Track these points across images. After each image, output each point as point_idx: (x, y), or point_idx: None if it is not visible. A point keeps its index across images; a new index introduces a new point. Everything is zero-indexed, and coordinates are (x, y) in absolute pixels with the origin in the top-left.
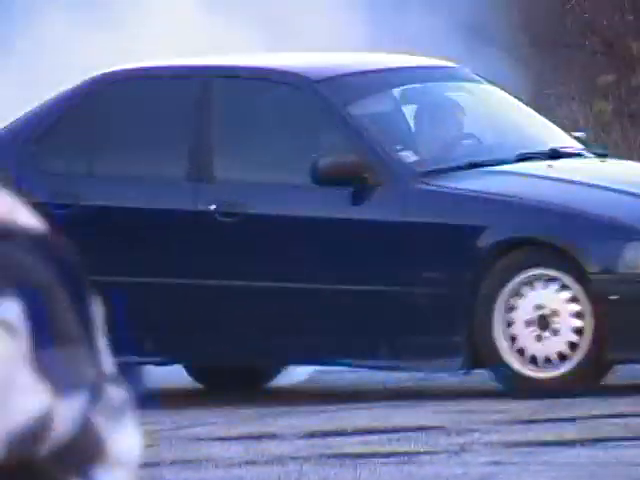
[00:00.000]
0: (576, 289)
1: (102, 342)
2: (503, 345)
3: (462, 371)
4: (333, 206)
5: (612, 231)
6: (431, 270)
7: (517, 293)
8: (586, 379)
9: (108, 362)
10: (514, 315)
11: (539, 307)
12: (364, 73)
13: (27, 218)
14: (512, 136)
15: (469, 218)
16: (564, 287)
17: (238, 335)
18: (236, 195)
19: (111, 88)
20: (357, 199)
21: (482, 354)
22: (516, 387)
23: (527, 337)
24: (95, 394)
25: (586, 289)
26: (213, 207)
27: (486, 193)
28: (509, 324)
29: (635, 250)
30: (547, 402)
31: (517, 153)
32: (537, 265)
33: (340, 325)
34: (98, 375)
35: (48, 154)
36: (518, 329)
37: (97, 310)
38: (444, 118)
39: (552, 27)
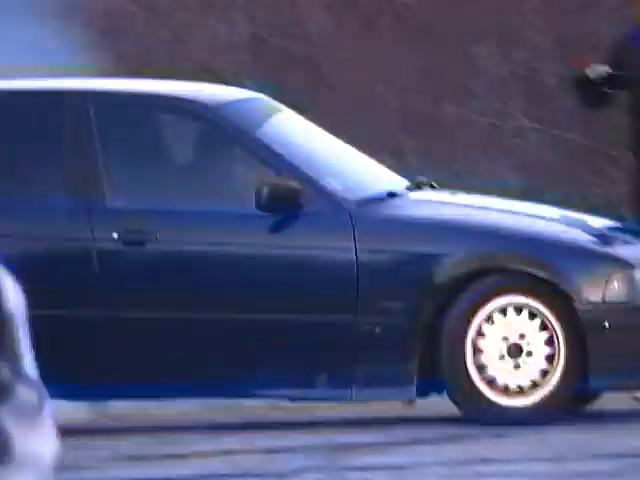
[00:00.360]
0: (546, 315)
1: (21, 346)
2: (475, 374)
3: (412, 399)
4: (269, 233)
5: (579, 252)
6: (388, 298)
7: (487, 320)
8: (558, 407)
9: (27, 365)
10: (484, 343)
11: (508, 336)
12: (244, 101)
13: None
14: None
15: (430, 245)
16: (533, 314)
17: (163, 368)
18: (142, 223)
19: None
20: (296, 226)
21: (451, 383)
22: (485, 415)
23: (498, 366)
24: (1, 393)
25: (560, 315)
26: (115, 235)
27: (441, 220)
28: (478, 352)
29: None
30: (156, 438)
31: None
32: (506, 292)
33: (289, 356)
34: (11, 374)
35: None
36: (488, 357)
37: (16, 317)
38: (313, 148)
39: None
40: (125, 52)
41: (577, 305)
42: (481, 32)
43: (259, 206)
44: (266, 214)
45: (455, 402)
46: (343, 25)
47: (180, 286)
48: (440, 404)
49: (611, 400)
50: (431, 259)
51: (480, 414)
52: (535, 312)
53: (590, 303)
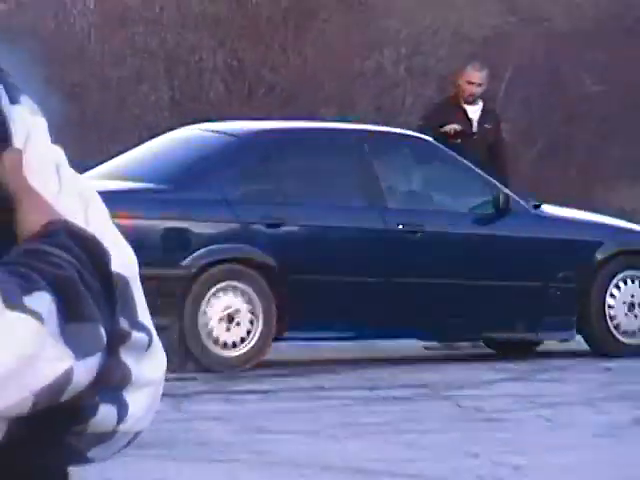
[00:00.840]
0: None
1: (135, 300)
2: (609, 321)
3: (572, 339)
4: (495, 227)
5: None
6: (563, 271)
7: (618, 285)
8: None
9: (140, 315)
10: (617, 298)
11: (632, 295)
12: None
13: (77, 219)
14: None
15: (587, 236)
16: None
17: (426, 318)
18: (415, 218)
19: (286, 141)
20: (509, 222)
21: (592, 326)
22: (611, 350)
23: (621, 312)
24: (121, 341)
25: None
26: (400, 226)
27: (589, 220)
28: (610, 306)
29: None
30: None
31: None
32: (630, 268)
33: (501, 309)
34: (128, 324)
35: (262, 185)
36: (617, 309)
37: (129, 278)
38: None
39: None
40: (86, 110)
41: None
42: (326, 99)
43: (497, 209)
44: (494, 214)
45: (589, 340)
46: (232, 93)
47: (441, 261)
48: (292, 348)
49: (410, 344)
50: (588, 245)
51: (608, 348)
52: None
53: None
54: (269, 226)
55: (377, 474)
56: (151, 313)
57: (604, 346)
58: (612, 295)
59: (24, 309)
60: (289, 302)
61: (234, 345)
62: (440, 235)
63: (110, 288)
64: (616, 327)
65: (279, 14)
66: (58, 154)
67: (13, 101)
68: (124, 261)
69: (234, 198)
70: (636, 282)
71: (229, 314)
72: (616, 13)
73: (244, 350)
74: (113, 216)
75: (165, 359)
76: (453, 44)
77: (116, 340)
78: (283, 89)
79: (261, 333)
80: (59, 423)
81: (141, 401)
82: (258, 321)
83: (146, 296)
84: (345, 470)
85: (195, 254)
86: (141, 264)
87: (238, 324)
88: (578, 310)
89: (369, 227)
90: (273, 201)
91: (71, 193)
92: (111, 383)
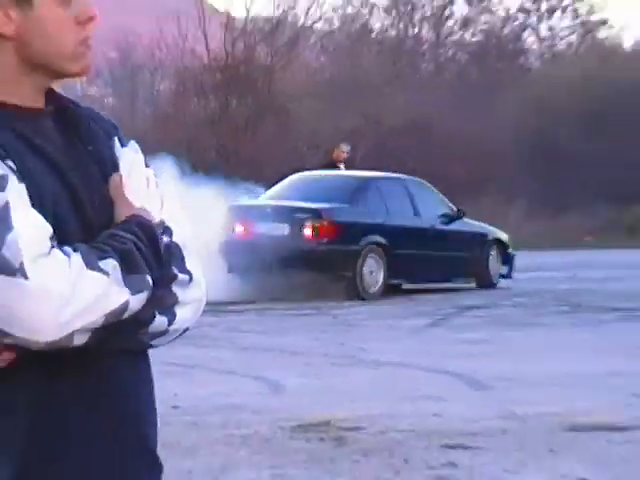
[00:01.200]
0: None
1: (184, 257)
2: (491, 273)
3: (472, 283)
4: (448, 227)
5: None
6: (472, 248)
7: (491, 253)
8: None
9: (189, 265)
10: (491, 260)
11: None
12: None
13: (154, 212)
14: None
15: (482, 230)
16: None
17: (427, 270)
18: (432, 222)
19: (381, 182)
20: (454, 224)
21: (480, 275)
22: (488, 287)
23: (496, 268)
24: (173, 280)
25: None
26: (429, 226)
27: (481, 224)
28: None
29: None
30: None
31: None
32: (495, 245)
33: (445, 267)
34: (177, 269)
35: (377, 204)
36: (493, 267)
37: (181, 245)
38: None
39: None
40: None
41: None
42: (268, 166)
43: (451, 217)
44: (450, 219)
45: (478, 282)
46: (221, 158)
47: (437, 243)
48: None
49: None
50: (482, 235)
51: (492, 287)
52: (501, 253)
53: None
54: (382, 226)
55: (293, 353)
56: (340, 269)
57: (485, 285)
58: (490, 256)
59: (99, 269)
60: (392, 264)
61: (373, 286)
62: (437, 230)
63: (158, 254)
64: (492, 275)
65: (244, 120)
66: (149, 173)
67: (122, 145)
68: (181, 235)
69: (370, 211)
70: (497, 252)
71: (370, 270)
72: (423, 113)
73: (376, 289)
74: (322, 222)
75: (204, 287)
76: (332, 133)
77: (169, 279)
78: (247, 159)
79: (382, 281)
80: (131, 329)
81: (186, 312)
82: (381, 274)
83: (338, 260)
84: (277, 351)
85: (359, 240)
86: (336, 243)
87: (374, 276)
88: (475, 267)
89: (420, 227)
90: (383, 213)
91: (153, 197)
92: (166, 305)
